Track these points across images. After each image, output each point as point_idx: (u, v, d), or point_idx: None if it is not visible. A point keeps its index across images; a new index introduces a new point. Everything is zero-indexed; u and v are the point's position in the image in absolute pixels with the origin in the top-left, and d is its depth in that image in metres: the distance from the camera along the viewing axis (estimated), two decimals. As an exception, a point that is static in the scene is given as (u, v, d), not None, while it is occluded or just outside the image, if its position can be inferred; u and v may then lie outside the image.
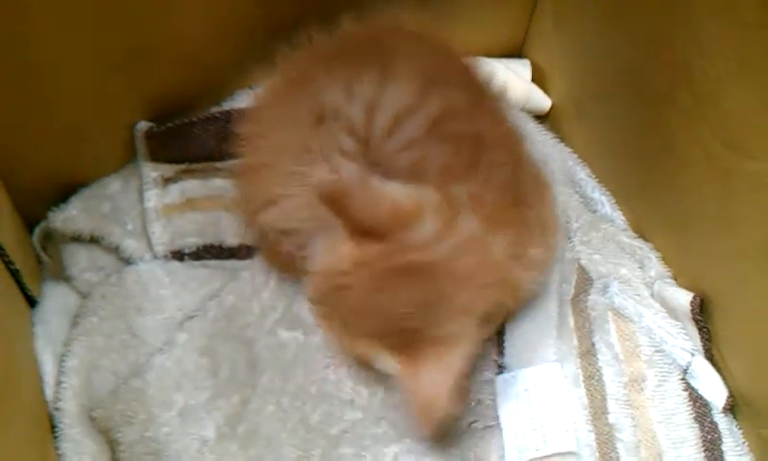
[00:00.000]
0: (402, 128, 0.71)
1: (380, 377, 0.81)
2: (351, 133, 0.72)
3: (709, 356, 0.77)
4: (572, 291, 0.84)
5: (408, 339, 0.65)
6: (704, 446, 0.75)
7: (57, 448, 0.73)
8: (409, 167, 0.70)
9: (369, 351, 0.67)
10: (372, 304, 0.65)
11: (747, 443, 0.74)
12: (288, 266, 0.83)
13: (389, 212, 0.64)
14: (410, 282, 0.64)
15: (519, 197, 0.72)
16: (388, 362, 0.66)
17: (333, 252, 0.67)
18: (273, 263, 0.85)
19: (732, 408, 0.75)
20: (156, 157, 0.89)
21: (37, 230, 0.85)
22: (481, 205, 0.68)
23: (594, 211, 0.90)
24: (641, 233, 0.86)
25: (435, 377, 0.64)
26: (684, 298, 0.77)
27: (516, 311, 0.80)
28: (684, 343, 0.77)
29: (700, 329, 0.77)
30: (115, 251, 0.86)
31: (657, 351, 0.78)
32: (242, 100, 0.92)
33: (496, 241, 0.68)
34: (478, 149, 0.70)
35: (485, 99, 0.76)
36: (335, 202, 0.64)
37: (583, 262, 0.86)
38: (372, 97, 0.72)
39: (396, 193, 0.65)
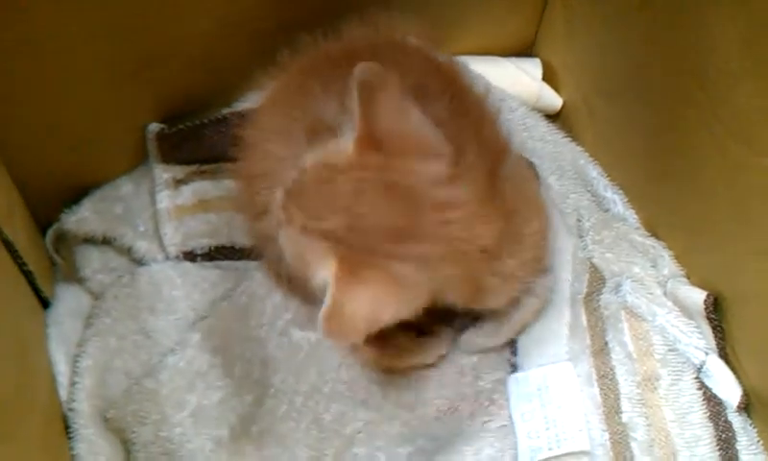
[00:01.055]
0: None
1: (392, 377, 0.82)
2: None
3: (723, 355, 0.77)
4: (585, 290, 0.83)
5: (358, 255, 0.62)
6: (718, 445, 0.74)
7: (71, 449, 0.74)
8: None
9: (314, 255, 0.64)
10: (346, 206, 0.62)
11: (761, 442, 0.74)
12: (280, 278, 0.83)
13: (411, 132, 0.63)
14: (394, 203, 0.62)
15: (508, 209, 0.70)
16: (327, 270, 0.62)
17: (330, 148, 0.65)
18: (270, 273, 0.85)
19: (746, 407, 0.75)
20: (167, 159, 0.89)
21: (50, 232, 0.85)
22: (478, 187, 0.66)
23: (606, 210, 0.90)
24: (654, 232, 0.86)
25: (363, 299, 0.61)
26: (697, 296, 0.77)
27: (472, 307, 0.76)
28: (697, 342, 0.77)
29: (714, 328, 0.77)
30: (128, 252, 0.87)
31: (670, 350, 0.78)
32: (253, 101, 0.91)
33: (482, 223, 0.66)
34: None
35: (473, 126, 0.75)
36: (368, 92, 0.61)
37: (595, 261, 0.85)
38: None
39: (424, 123, 0.64)
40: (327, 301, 0.60)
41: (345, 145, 0.64)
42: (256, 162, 0.78)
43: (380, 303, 0.62)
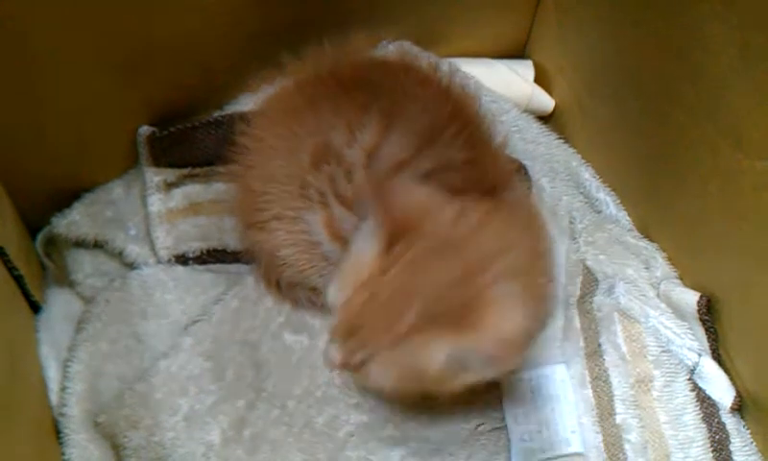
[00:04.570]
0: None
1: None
2: (349, 178, 0.72)
3: (717, 356, 0.77)
4: (578, 292, 0.83)
5: (459, 312, 0.61)
6: (712, 446, 0.75)
7: (62, 455, 0.73)
8: None
9: (421, 343, 0.61)
10: (411, 291, 0.61)
11: (755, 443, 0.74)
12: (272, 284, 0.83)
13: (419, 204, 0.63)
14: (444, 259, 0.62)
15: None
16: (442, 344, 0.60)
17: (353, 274, 0.64)
18: (262, 278, 0.85)
19: (739, 408, 0.75)
20: (158, 162, 0.88)
21: (41, 236, 0.84)
22: None
23: (599, 212, 0.90)
24: (647, 234, 0.86)
25: (502, 323, 0.60)
26: (690, 298, 0.77)
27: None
28: (690, 343, 0.77)
29: (707, 330, 0.77)
30: (119, 256, 0.86)
31: (663, 352, 0.78)
32: (245, 104, 0.91)
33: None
34: None
35: (484, 157, 0.75)
36: (379, 198, 0.63)
37: (588, 263, 0.85)
38: (373, 145, 0.72)
39: (417, 189, 0.65)
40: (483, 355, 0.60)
41: (368, 261, 0.63)
42: (258, 178, 0.77)
43: (514, 312, 0.62)
